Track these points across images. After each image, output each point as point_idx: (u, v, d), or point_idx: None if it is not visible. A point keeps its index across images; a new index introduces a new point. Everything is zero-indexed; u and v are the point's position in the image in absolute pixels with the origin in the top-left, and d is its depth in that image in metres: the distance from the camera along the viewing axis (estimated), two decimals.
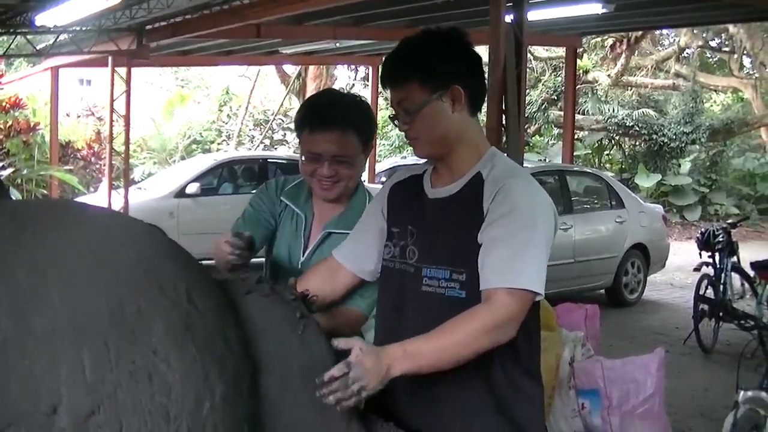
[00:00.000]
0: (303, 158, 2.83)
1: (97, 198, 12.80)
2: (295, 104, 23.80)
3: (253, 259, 3.12)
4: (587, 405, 4.74)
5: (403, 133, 2.42)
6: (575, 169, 12.20)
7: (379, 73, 2.42)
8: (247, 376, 1.98)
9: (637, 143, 22.02)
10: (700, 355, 8.41)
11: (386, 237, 2.48)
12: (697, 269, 8.85)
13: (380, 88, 20.79)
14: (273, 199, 3.01)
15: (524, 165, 11.06)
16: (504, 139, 5.57)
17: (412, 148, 2.40)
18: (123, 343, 1.74)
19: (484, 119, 6.28)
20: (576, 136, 21.67)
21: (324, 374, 1.95)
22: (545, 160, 20.49)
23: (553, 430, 4.85)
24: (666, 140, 20.76)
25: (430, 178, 2.44)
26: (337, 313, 2.73)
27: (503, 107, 5.39)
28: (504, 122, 5.44)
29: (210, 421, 1.78)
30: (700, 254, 9.08)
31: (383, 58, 2.41)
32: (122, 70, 11.97)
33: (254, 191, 3.23)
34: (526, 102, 21.77)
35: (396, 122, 2.39)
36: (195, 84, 30.23)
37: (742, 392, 4.09)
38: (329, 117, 2.76)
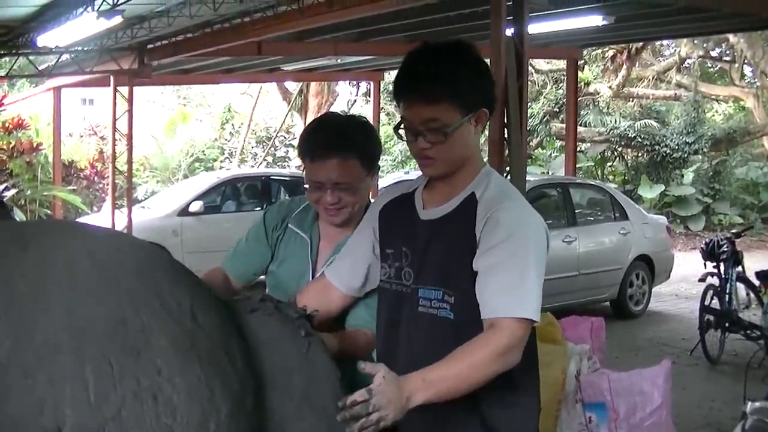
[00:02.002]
0: (307, 186, 2.82)
1: (101, 217, 12.83)
2: (297, 121, 23.84)
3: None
4: (594, 418, 4.73)
5: (406, 148, 2.41)
6: (578, 181, 12.19)
7: (399, 84, 2.34)
8: (252, 394, 1.97)
9: (640, 154, 21.99)
10: (706, 365, 8.37)
11: (380, 258, 2.48)
12: (702, 280, 8.82)
13: (382, 104, 20.90)
14: (269, 227, 2.99)
15: (527, 178, 11.08)
16: (506, 152, 5.58)
17: (423, 166, 2.36)
18: (127, 362, 1.75)
19: (487, 132, 6.30)
20: (578, 149, 21.71)
21: (346, 397, 1.96)
22: (548, 172, 20.49)
23: None
24: (668, 151, 20.74)
25: (422, 196, 2.44)
26: (348, 337, 2.73)
27: (505, 120, 5.39)
28: (506, 135, 5.44)
29: None
30: (705, 265, 9.05)
31: (402, 70, 2.34)
32: (124, 89, 12.00)
33: (257, 209, 3.23)
34: (528, 115, 21.80)
35: (402, 136, 2.36)
36: (197, 102, 30.32)
37: (749, 403, 4.05)
38: (329, 145, 2.71)
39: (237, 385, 1.90)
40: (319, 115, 16.73)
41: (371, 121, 19.17)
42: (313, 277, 2.89)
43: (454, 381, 2.10)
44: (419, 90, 2.26)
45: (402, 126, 2.35)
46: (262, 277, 3.09)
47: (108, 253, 1.96)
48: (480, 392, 2.19)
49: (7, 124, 14.38)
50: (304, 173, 2.84)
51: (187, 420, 1.74)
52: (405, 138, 2.36)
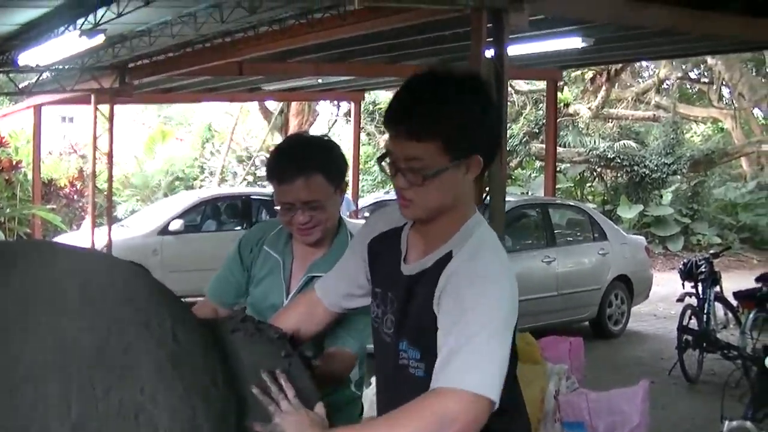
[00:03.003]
0: (278, 208, 2.86)
1: (80, 236, 12.78)
2: (278, 140, 23.83)
3: None
4: None
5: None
6: (557, 202, 12.30)
7: (387, 111, 2.10)
8: (233, 413, 1.98)
9: (619, 175, 22.15)
10: (685, 385, 8.43)
11: (371, 294, 2.36)
12: (680, 300, 8.89)
13: (363, 124, 20.95)
14: (244, 251, 3.02)
15: (507, 199, 11.14)
16: (486, 173, 5.61)
17: (400, 206, 2.15)
18: (110, 381, 1.75)
19: None
20: (558, 169, 21.83)
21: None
22: (528, 193, 20.60)
23: None
24: (647, 171, 20.90)
25: (406, 240, 2.26)
26: (326, 358, 2.74)
27: None
28: None
29: None
30: (683, 285, 9.13)
31: (394, 95, 2.12)
32: (105, 108, 11.98)
33: (237, 228, 3.24)
34: (508, 135, 21.92)
35: (385, 168, 2.16)
36: (177, 121, 30.27)
37: (727, 422, 4.10)
38: (292, 166, 2.74)
39: (218, 404, 1.91)
40: None
41: (352, 141, 19.22)
42: (287, 297, 2.92)
43: None
44: (403, 123, 2.03)
45: (386, 158, 2.14)
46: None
47: (91, 273, 1.97)
48: None
49: None
50: (273, 196, 2.87)
51: None
52: (387, 172, 2.15)
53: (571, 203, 13.56)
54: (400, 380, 2.21)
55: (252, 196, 14.26)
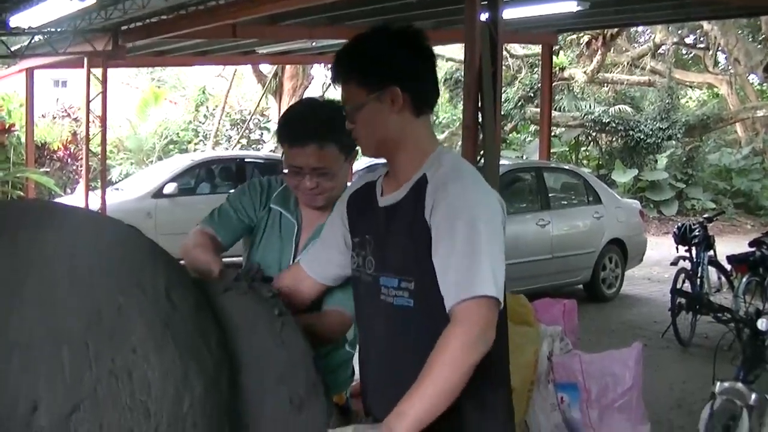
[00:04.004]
0: (286, 171, 2.83)
1: (74, 200, 12.74)
2: (272, 104, 23.72)
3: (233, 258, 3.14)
4: (566, 399, 4.78)
5: None
6: (552, 165, 12.23)
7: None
8: (226, 372, 1.98)
9: (614, 139, 22.11)
10: (678, 348, 8.47)
11: (350, 247, 2.44)
12: (674, 263, 8.92)
13: None
14: (255, 201, 2.97)
15: (501, 162, 11.11)
16: (480, 137, 5.59)
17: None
18: (103, 342, 1.76)
19: (461, 117, 6.30)
20: (553, 133, 21.78)
21: None
22: (522, 157, 20.56)
23: (532, 425, 4.88)
24: (642, 136, 20.86)
25: (381, 184, 2.40)
26: (322, 316, 2.75)
27: (479, 105, 5.40)
28: (480, 120, 5.45)
29: (190, 416, 1.79)
30: (677, 248, 9.15)
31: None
32: (98, 71, 11.89)
33: (231, 191, 3.20)
34: (503, 99, 21.83)
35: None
36: (171, 84, 30.09)
37: (718, 383, 4.13)
38: (306, 131, 2.71)
39: (211, 363, 1.91)
40: (294, 98, 16.69)
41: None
42: (293, 260, 2.91)
43: (431, 397, 2.01)
44: (333, 72, 2.31)
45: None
46: (239, 258, 3.10)
47: (84, 234, 1.96)
48: None
49: None
50: (282, 157, 2.84)
51: (161, 397, 1.76)
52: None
53: (566, 167, 13.53)
54: (384, 316, 2.27)
55: (246, 159, 14.22)
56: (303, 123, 2.76)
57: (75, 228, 1.99)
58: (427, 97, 2.31)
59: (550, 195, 10.88)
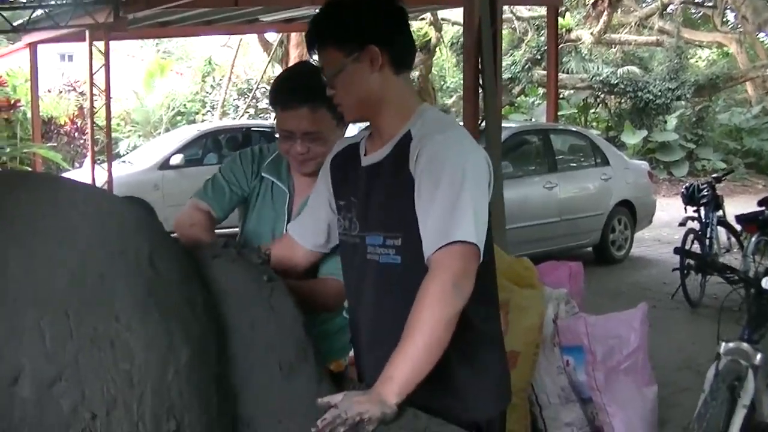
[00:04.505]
0: (278, 135, 2.80)
1: (82, 173, 12.74)
2: (278, 72, 23.58)
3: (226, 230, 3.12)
4: (572, 362, 4.75)
5: None
6: (559, 127, 12.13)
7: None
8: (214, 339, 1.97)
9: (623, 101, 21.93)
10: (687, 309, 8.44)
11: (336, 210, 2.43)
12: (682, 224, 8.87)
13: None
14: (247, 171, 2.96)
15: (507, 125, 11.04)
16: (480, 99, 5.53)
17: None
18: (84, 311, 1.74)
19: (461, 80, 6.21)
20: (561, 96, 21.63)
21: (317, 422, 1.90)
22: (531, 120, 20.44)
23: (539, 388, 4.87)
24: (651, 97, 20.69)
25: (365, 145, 2.38)
26: (317, 284, 2.73)
27: (479, 67, 5.34)
28: (481, 82, 5.39)
29: (175, 385, 1.77)
30: (685, 209, 9.09)
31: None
32: (101, 44, 11.82)
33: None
34: (510, 63, 21.72)
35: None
36: (178, 56, 30.01)
37: (723, 344, 4.09)
38: (299, 94, 2.68)
39: (197, 332, 1.89)
40: None
41: None
42: (285, 229, 2.88)
43: (414, 357, 1.99)
44: (308, 39, 2.29)
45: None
46: (236, 230, 3.08)
47: (66, 202, 1.94)
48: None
49: None
50: (275, 122, 2.81)
51: (145, 365, 1.74)
52: None
53: (573, 129, 13.44)
54: (372, 276, 2.27)
55: (252, 129, 14.18)
56: (295, 86, 2.73)
57: (59, 197, 1.97)
58: (405, 54, 2.30)
59: (557, 157, 10.82)
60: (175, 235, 2.68)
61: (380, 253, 2.22)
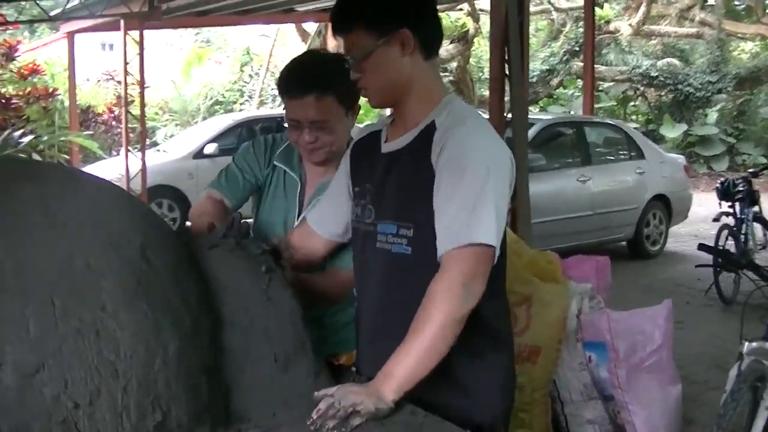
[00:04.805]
0: (287, 125, 2.78)
1: (118, 162, 12.83)
2: None
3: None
4: (594, 358, 4.67)
5: None
6: (593, 120, 11.96)
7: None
8: (207, 330, 1.95)
9: (662, 94, 21.68)
10: (720, 306, 8.30)
11: (352, 198, 2.38)
12: (716, 219, 8.72)
13: None
14: (260, 160, 2.94)
15: (540, 117, 10.94)
16: (505, 89, 5.46)
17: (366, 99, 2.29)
18: (70, 300, 1.73)
19: (488, 70, 6.14)
20: (600, 88, 21.42)
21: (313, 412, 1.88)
22: (569, 112, 20.27)
23: (561, 384, 4.80)
24: (692, 90, 20.44)
25: (386, 132, 2.33)
26: (325, 276, 2.71)
27: (506, 57, 5.27)
28: (507, 72, 5.33)
29: (162, 376, 1.76)
30: (720, 204, 8.94)
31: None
32: (137, 33, 11.88)
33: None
34: (548, 54, 21.56)
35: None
36: (217, 45, 30.14)
37: (746, 343, 4.00)
38: (305, 82, 2.65)
39: (188, 323, 1.87)
40: None
41: None
42: (298, 218, 2.86)
43: (417, 355, 1.96)
44: (336, 18, 2.22)
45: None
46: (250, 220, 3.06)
47: (61, 191, 1.93)
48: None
49: (22, 71, 14.35)
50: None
51: (130, 355, 1.73)
52: None
53: (608, 121, 13.25)
54: (381, 265, 2.22)
55: None
56: (301, 74, 2.71)
57: (51, 184, 1.96)
58: (435, 39, 2.24)
59: (591, 150, 10.67)
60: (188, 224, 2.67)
61: (392, 243, 2.18)
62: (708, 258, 7.96)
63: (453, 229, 2.02)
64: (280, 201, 2.91)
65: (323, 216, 2.52)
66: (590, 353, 4.70)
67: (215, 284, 2.07)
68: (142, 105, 11.59)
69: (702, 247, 4.53)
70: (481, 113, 2.35)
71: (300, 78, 2.69)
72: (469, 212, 2.01)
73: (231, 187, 2.93)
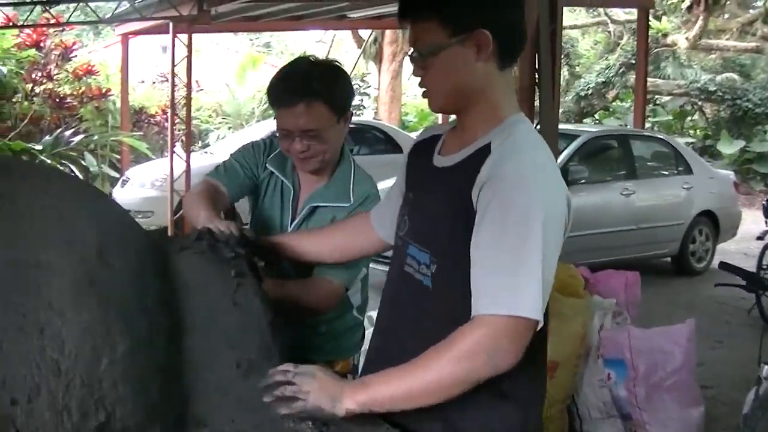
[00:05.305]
0: (278, 135, 2.75)
1: (165, 163, 12.96)
2: (372, 69, 23.68)
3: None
4: (613, 375, 4.58)
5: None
6: (642, 133, 11.77)
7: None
8: (165, 333, 1.92)
9: (721, 109, 21.28)
10: (761, 326, 8.06)
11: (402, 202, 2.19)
12: (760, 238, 8.53)
13: None
14: (258, 161, 2.91)
15: (584, 129, 10.80)
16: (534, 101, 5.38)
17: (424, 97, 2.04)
18: (15, 296, 1.72)
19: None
20: (657, 102, 21.09)
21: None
22: (625, 125, 20.00)
23: (580, 400, 4.71)
24: (751, 106, 20.01)
25: (443, 141, 2.10)
26: (308, 284, 2.69)
27: (537, 66, 5.19)
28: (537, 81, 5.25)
29: (108, 376, 1.73)
30: (766, 222, 8.74)
31: None
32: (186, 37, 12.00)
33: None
34: (604, 67, 21.30)
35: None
36: (279, 50, 30.33)
37: (765, 367, 3.87)
38: (293, 90, 2.62)
39: (142, 323, 1.85)
40: (393, 63, 16.55)
41: None
42: (291, 225, 2.83)
43: (403, 387, 1.80)
44: (407, 5, 2.00)
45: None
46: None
47: (23, 188, 1.93)
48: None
49: (77, 71, 14.61)
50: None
51: (75, 354, 1.71)
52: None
53: (655, 135, 13.06)
54: (403, 289, 2.07)
55: None
56: (290, 82, 2.68)
57: (20, 180, 1.96)
58: (515, 46, 2.00)
59: (636, 164, 10.50)
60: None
61: (423, 274, 1.99)
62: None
63: (492, 291, 1.77)
64: (276, 206, 2.90)
65: (382, 215, 2.37)
66: (609, 370, 4.61)
67: (181, 287, 2.05)
68: (189, 107, 11.71)
69: (723, 265, 4.39)
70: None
71: (289, 86, 2.66)
72: (512, 274, 1.76)
73: (229, 176, 2.85)
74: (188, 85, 11.37)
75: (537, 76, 5.17)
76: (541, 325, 1.81)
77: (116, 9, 11.52)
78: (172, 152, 11.14)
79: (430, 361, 1.80)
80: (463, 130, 2.03)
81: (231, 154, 2.98)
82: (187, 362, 1.97)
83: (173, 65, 11.13)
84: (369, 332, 3.13)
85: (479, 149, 1.92)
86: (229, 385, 1.98)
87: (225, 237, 2.23)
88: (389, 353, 2.04)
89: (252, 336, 2.06)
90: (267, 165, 2.87)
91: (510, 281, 1.76)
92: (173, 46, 10.95)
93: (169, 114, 12.29)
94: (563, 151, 9.39)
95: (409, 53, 2.01)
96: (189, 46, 10.98)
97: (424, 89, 2.01)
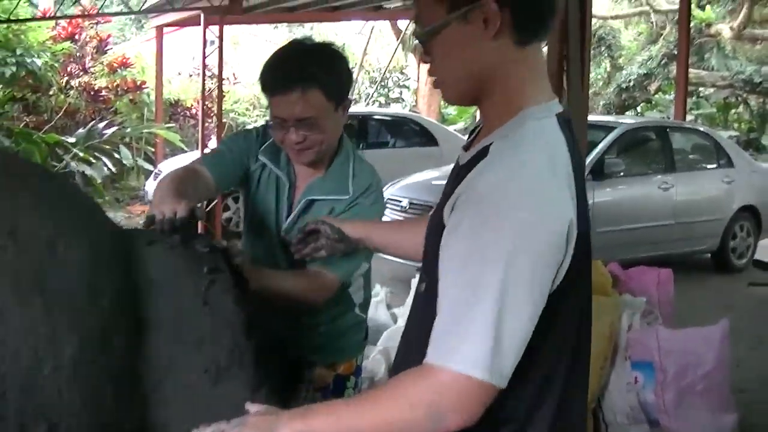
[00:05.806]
0: (271, 124, 2.57)
1: (195, 155, 12.95)
2: (411, 61, 23.50)
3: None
4: (640, 378, 4.37)
5: None
6: (681, 125, 11.46)
7: None
8: (122, 333, 1.78)
9: (766, 101, 20.82)
10: None
11: None
12: None
13: None
14: (250, 150, 2.72)
15: (620, 120, 10.53)
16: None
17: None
18: None
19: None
20: (701, 94, 20.67)
21: None
22: (667, 117, 19.62)
23: (606, 405, 4.50)
24: None
25: (476, 134, 1.77)
26: (297, 277, 2.55)
27: (565, 53, 4.98)
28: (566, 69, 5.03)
29: (52, 381, 1.58)
30: None
31: None
32: (230, 28, 11.91)
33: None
34: (646, 58, 20.90)
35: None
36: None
37: None
38: (288, 76, 2.44)
39: (95, 323, 1.70)
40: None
41: None
42: (287, 218, 2.66)
43: (339, 420, 1.54)
44: None
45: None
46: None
47: None
48: None
49: (112, 63, 14.65)
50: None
51: (15, 358, 1.56)
52: None
53: (695, 127, 12.72)
54: (414, 304, 1.86)
55: (374, 116, 14.12)
56: (284, 67, 2.49)
57: None
58: (535, 18, 1.59)
59: (675, 157, 10.21)
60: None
61: (422, 292, 1.72)
62: None
63: (442, 337, 1.48)
64: (270, 199, 2.72)
65: None
66: (636, 373, 4.40)
67: (146, 284, 1.89)
68: (220, 99, 11.67)
69: (757, 263, 4.15)
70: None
71: (282, 71, 2.47)
72: (458, 322, 1.45)
73: (218, 165, 2.61)
74: (219, 77, 11.29)
75: (566, 64, 4.96)
76: (503, 386, 1.46)
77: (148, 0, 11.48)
78: (204, 145, 11.07)
79: (373, 403, 1.55)
80: (483, 124, 1.71)
81: (222, 140, 2.83)
82: (149, 367, 1.82)
83: (204, 57, 11.05)
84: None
85: (480, 151, 1.61)
86: (194, 391, 1.83)
87: (160, 223, 2.04)
88: (402, 356, 1.86)
89: (223, 338, 1.91)
90: (259, 156, 2.69)
91: (458, 329, 1.45)
92: (204, 37, 10.88)
93: (207, 106, 12.22)
94: (599, 143, 9.16)
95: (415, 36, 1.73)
96: (220, 37, 10.90)
97: (434, 78, 1.68)
